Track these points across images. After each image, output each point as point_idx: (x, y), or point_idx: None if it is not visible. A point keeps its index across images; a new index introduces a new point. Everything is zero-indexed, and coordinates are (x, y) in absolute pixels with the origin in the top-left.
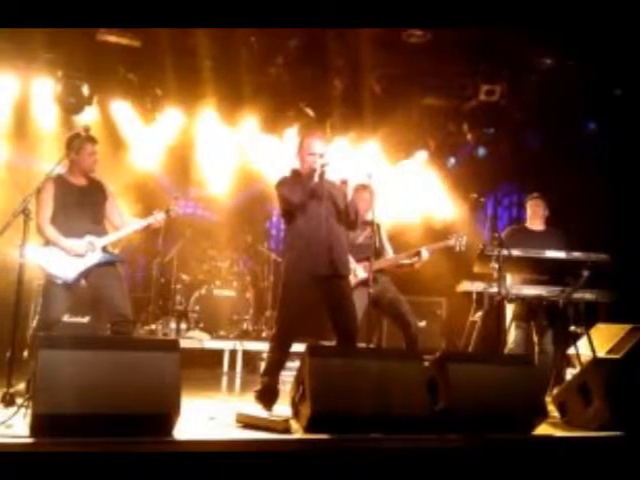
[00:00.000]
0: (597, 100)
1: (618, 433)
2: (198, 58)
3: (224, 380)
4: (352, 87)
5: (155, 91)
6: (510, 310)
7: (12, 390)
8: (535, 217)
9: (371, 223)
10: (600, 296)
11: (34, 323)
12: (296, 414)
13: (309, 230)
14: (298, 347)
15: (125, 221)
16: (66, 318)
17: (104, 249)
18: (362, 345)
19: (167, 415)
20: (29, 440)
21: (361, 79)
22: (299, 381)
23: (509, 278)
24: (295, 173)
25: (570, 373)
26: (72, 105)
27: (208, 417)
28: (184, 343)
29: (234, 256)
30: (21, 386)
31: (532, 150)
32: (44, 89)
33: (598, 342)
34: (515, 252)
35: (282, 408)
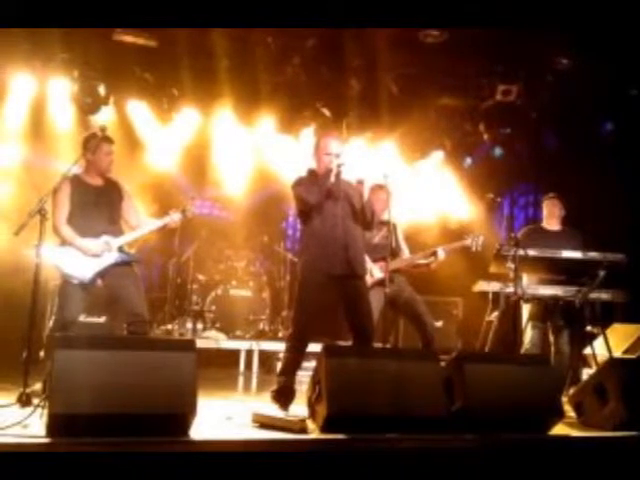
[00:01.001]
0: (613, 100)
1: (634, 433)
2: (215, 58)
3: (240, 380)
4: (369, 87)
5: (171, 91)
6: (526, 310)
7: (28, 390)
8: (551, 217)
9: (387, 223)
10: (616, 296)
11: (50, 323)
12: (312, 414)
13: (325, 230)
14: (314, 347)
15: (141, 221)
16: (82, 318)
17: (120, 249)
18: (378, 345)
19: (183, 415)
20: (45, 440)
21: (378, 79)
22: (315, 381)
23: (525, 278)
24: (311, 173)
25: (586, 373)
26: (88, 105)
27: (224, 417)
28: (200, 343)
29: (250, 256)
30: (37, 386)
31: (548, 150)
32: (60, 89)
33: (614, 342)
34: (531, 252)
35: (298, 408)
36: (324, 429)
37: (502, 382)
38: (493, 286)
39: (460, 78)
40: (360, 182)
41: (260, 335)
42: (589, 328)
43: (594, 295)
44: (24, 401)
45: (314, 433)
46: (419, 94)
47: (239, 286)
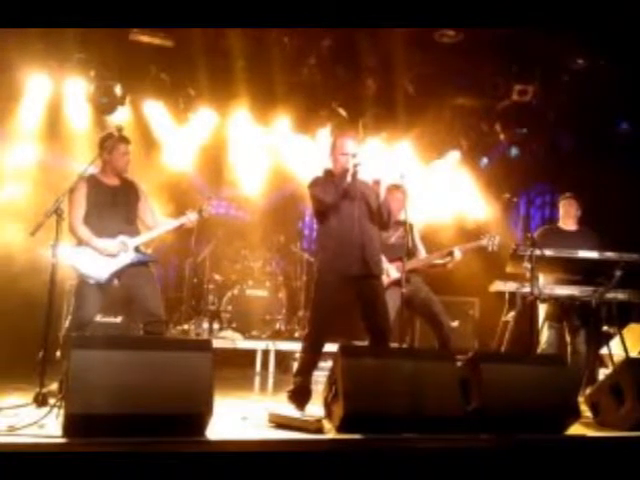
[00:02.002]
0: (630, 100)
1: None
2: (231, 58)
3: (257, 380)
4: (384, 87)
5: (188, 91)
6: (543, 310)
7: (45, 390)
8: (568, 217)
9: (404, 223)
10: (633, 296)
11: (67, 323)
12: (329, 414)
13: (342, 230)
14: (331, 347)
15: (158, 221)
16: (99, 318)
17: (137, 249)
18: (395, 345)
19: (200, 415)
20: (62, 440)
21: (393, 79)
22: (332, 381)
23: (542, 278)
24: (328, 173)
25: (603, 373)
26: (105, 105)
27: (241, 417)
28: (217, 343)
29: (267, 256)
30: (54, 386)
31: (565, 150)
32: (77, 89)
33: (631, 342)
34: (548, 252)
35: (315, 408)
36: (340, 429)
37: (518, 382)
38: (509, 286)
39: (476, 78)
40: (376, 182)
41: (276, 335)
42: (605, 328)
43: (610, 295)
44: (40, 401)
45: (330, 433)
46: (435, 94)
47: (255, 286)
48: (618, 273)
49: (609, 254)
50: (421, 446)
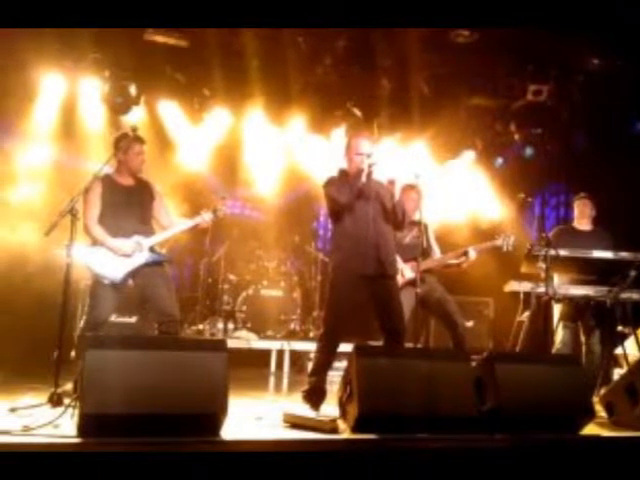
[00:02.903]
0: None
1: None
2: (246, 58)
3: (271, 380)
4: (399, 87)
5: (203, 91)
6: (557, 310)
7: (59, 390)
8: (582, 217)
9: (418, 223)
10: None
11: (81, 323)
12: (343, 414)
13: (356, 230)
14: (345, 347)
15: (172, 221)
16: (113, 318)
17: (151, 249)
18: (409, 345)
19: (214, 415)
20: (76, 440)
21: (408, 79)
22: (346, 381)
23: (556, 278)
24: (343, 173)
25: (617, 373)
26: (119, 105)
27: (255, 417)
28: (231, 343)
29: (281, 256)
30: (68, 386)
31: (580, 150)
32: (91, 89)
33: None
34: (562, 252)
35: (329, 408)
36: (355, 429)
37: (533, 382)
38: (524, 286)
39: (491, 78)
40: (391, 182)
41: (291, 335)
42: (620, 328)
43: (625, 295)
44: (55, 401)
45: (345, 433)
46: (450, 94)
47: (270, 286)
48: (633, 273)
49: (624, 254)
50: (436, 446)
